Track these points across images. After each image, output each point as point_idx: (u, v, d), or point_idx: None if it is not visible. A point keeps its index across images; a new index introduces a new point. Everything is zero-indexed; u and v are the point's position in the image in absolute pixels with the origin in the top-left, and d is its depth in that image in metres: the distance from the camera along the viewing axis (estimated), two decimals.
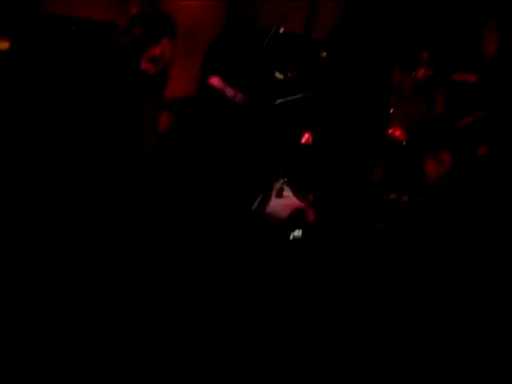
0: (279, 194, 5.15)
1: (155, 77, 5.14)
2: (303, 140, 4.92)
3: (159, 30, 5.08)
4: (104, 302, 3.12)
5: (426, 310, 3.27)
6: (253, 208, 4.57)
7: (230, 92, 4.39)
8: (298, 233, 3.82)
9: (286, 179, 4.88)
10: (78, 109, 4.84)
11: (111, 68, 4.90)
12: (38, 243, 3.68)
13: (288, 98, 4.50)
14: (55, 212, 4.10)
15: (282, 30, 3.77)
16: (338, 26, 3.25)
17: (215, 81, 4.56)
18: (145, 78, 5.07)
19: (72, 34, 4.93)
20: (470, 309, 3.30)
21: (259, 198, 4.60)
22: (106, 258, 3.60)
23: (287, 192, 5.04)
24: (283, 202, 5.06)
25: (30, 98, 4.77)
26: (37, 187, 4.30)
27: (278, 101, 4.49)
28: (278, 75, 4.55)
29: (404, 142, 4.86)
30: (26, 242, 3.67)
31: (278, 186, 5.12)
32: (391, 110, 4.80)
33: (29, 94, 4.77)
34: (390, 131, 4.88)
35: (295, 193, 4.93)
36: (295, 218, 4.15)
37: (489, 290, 3.53)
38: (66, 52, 4.84)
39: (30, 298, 3.08)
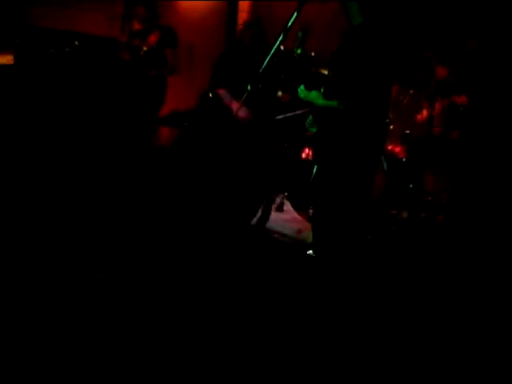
0: (280, 209, 5.18)
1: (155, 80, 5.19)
2: (303, 155, 4.94)
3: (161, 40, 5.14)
4: (103, 301, 3.13)
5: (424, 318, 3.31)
6: (252, 223, 4.58)
7: (235, 105, 4.37)
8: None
9: (286, 194, 4.90)
10: (78, 121, 4.88)
11: (111, 82, 4.95)
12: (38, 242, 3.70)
13: (287, 114, 4.54)
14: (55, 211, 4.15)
15: (282, 48, 3.79)
16: (341, 45, 3.30)
17: (223, 93, 4.58)
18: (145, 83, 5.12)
19: (75, 49, 4.99)
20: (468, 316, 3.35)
21: (259, 213, 4.61)
22: (105, 258, 3.63)
23: (287, 207, 5.06)
24: (284, 216, 5.08)
25: (32, 111, 4.81)
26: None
27: (278, 117, 4.53)
28: (280, 93, 4.59)
29: (404, 159, 4.87)
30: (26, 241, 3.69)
31: (278, 200, 5.15)
32: (391, 127, 4.84)
33: (31, 108, 4.81)
34: (390, 148, 4.90)
35: (295, 207, 4.94)
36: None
37: (488, 305, 3.57)
38: (68, 66, 4.89)
39: (30, 298, 3.08)
